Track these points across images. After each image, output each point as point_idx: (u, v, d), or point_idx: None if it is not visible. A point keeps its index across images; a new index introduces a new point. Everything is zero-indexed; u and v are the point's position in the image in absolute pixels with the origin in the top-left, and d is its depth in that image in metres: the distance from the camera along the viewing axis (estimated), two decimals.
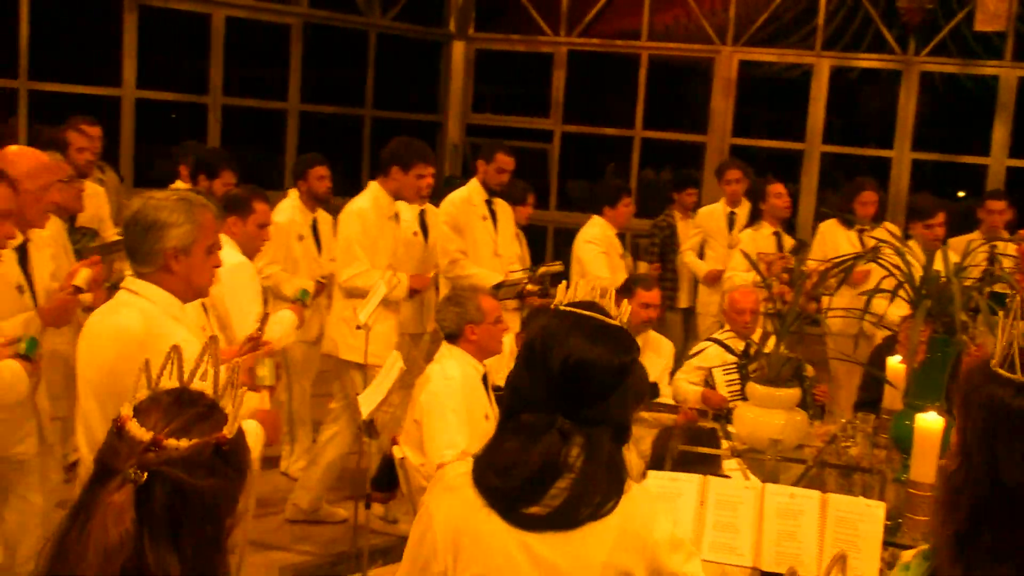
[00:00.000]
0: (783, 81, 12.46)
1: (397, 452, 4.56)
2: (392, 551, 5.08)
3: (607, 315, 2.24)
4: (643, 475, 3.68)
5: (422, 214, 6.50)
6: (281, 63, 11.52)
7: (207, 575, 1.47)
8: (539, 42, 12.70)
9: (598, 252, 6.79)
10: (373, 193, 5.80)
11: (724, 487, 2.94)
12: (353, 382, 5.56)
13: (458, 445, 4.33)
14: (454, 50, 12.87)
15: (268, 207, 4.82)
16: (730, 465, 3.70)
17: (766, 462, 3.58)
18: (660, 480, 2.96)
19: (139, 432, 1.50)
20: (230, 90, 11.08)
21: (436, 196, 6.59)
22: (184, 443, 1.50)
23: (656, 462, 4.05)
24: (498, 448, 2.16)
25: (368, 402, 4.18)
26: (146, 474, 1.46)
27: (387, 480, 4.67)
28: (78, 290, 4.03)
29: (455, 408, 4.42)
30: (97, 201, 5.94)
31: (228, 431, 1.53)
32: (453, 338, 4.63)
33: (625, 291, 5.68)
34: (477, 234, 6.39)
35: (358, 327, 4.97)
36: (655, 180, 12.89)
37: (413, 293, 6.01)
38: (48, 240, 4.47)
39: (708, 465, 3.60)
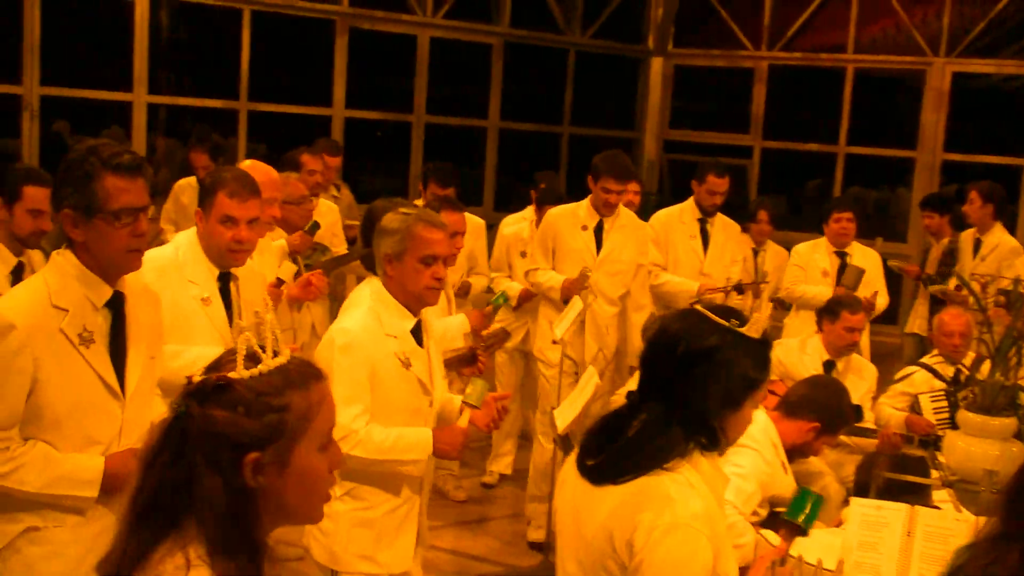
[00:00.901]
0: (1000, 93, 11.82)
1: None
2: None
3: (740, 319, 2.26)
4: (845, 502, 3.56)
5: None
6: (482, 82, 11.79)
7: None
8: (739, 57, 12.51)
9: (794, 268, 6.77)
10: (577, 203, 5.95)
11: (934, 518, 2.81)
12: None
13: None
14: (652, 66, 12.84)
15: (459, 218, 4.94)
16: (940, 496, 3.53)
17: (980, 494, 3.39)
18: (864, 508, 2.86)
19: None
20: (433, 108, 11.41)
21: (642, 213, 6.61)
22: (197, 378, 1.65)
23: (860, 489, 3.90)
24: None
25: (564, 416, 4.20)
26: (184, 406, 1.63)
27: None
28: (280, 282, 4.30)
29: None
30: (331, 218, 6.22)
31: (232, 374, 1.64)
32: None
33: (829, 313, 5.50)
34: (680, 252, 6.47)
35: (554, 342, 5.02)
36: (862, 197, 12.43)
37: None
38: (263, 249, 4.77)
39: (916, 495, 3.44)
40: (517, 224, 6.66)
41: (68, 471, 2.65)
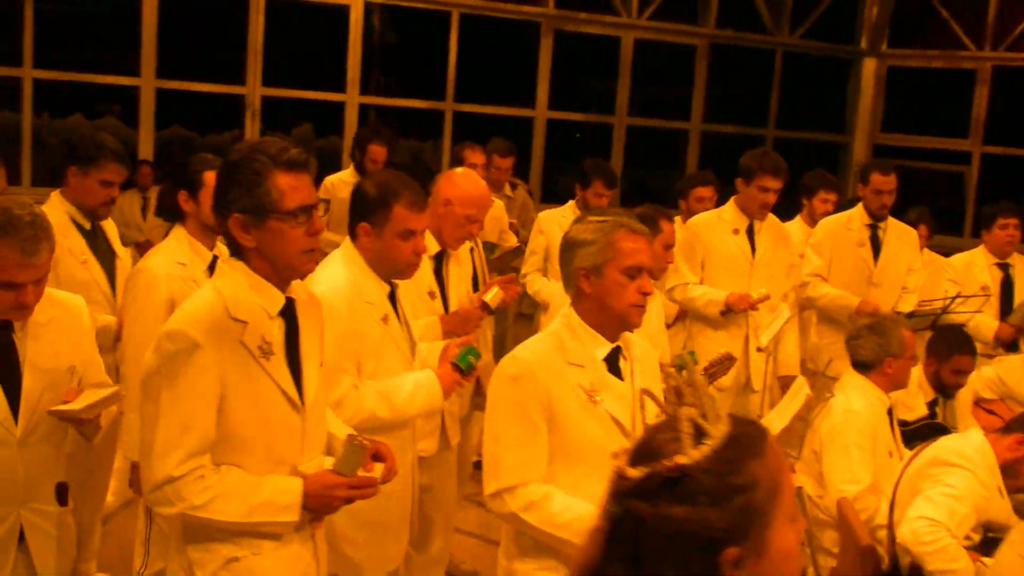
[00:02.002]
0: None
1: (795, 480, 4.42)
2: None
3: None
4: None
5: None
6: (685, 83, 11.64)
7: None
8: (960, 58, 11.86)
9: (948, 284, 6.20)
10: (722, 207, 5.65)
11: None
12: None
13: (861, 480, 4.12)
14: (864, 67, 12.35)
15: (673, 228, 4.75)
16: None
17: None
18: None
19: (619, 465, 1.44)
20: (635, 110, 11.35)
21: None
22: (636, 472, 1.39)
23: None
24: None
25: (771, 426, 4.08)
26: (620, 507, 1.39)
27: None
28: (486, 306, 4.23)
29: (858, 442, 4.19)
30: (497, 214, 6.25)
31: (682, 458, 1.37)
32: (865, 368, 4.38)
33: None
34: (847, 261, 5.99)
35: (759, 349, 4.88)
36: None
37: None
38: (464, 258, 4.80)
39: None
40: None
41: (268, 496, 2.51)
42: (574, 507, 2.78)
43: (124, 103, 9.60)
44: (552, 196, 10.38)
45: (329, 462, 2.69)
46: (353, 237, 3.47)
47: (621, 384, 2.93)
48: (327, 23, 10.24)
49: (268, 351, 2.53)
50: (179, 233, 4.03)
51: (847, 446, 4.22)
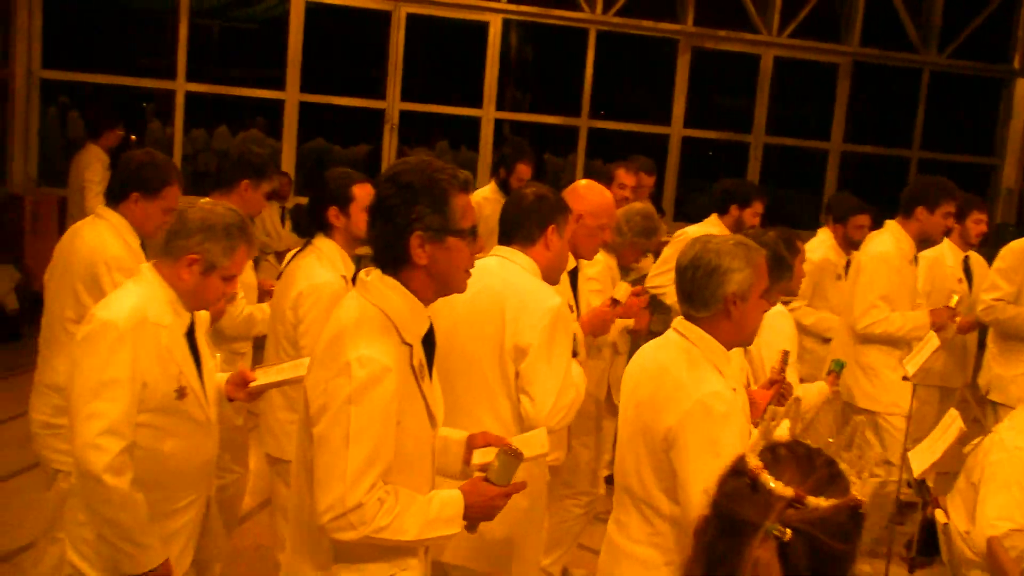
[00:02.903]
0: None
1: (939, 517, 4.23)
2: None
3: None
4: None
5: (966, 260, 6.06)
6: (825, 101, 11.38)
7: None
8: None
9: None
10: (894, 235, 5.44)
11: None
12: (890, 433, 5.29)
13: (1016, 520, 3.90)
14: (1017, 87, 11.85)
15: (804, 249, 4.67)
16: None
17: None
18: None
19: (779, 487, 1.47)
20: (773, 129, 11.16)
21: (989, 244, 6.08)
22: (824, 503, 1.45)
23: None
24: None
25: (921, 460, 3.92)
26: (790, 531, 1.42)
27: (927, 545, 4.35)
28: (615, 302, 4.25)
29: (1021, 482, 3.98)
30: None
31: (861, 495, 1.48)
32: None
33: None
34: None
35: (904, 378, 4.69)
36: None
37: None
38: (598, 273, 4.79)
39: None
40: (822, 247, 6.25)
41: (437, 512, 2.55)
42: None
43: (268, 116, 9.90)
44: (683, 215, 10.27)
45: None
46: (529, 244, 3.57)
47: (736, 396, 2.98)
48: (465, 39, 10.38)
49: (422, 374, 2.59)
50: (327, 245, 4.09)
51: (1009, 483, 4.01)
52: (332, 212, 4.05)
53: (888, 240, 5.45)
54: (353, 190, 4.03)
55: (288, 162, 9.65)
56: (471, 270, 2.65)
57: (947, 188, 5.34)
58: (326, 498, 2.44)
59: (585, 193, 4.20)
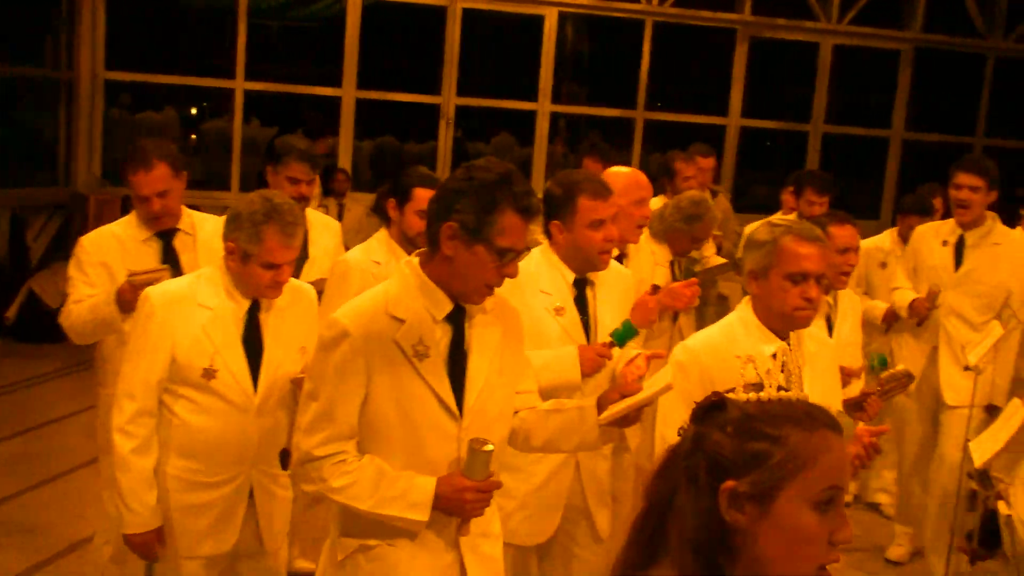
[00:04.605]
0: None
1: (1003, 508, 4.15)
2: None
3: None
4: None
5: None
6: (887, 89, 11.20)
7: None
8: None
9: None
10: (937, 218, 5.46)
11: None
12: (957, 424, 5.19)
13: None
14: None
15: (849, 232, 4.53)
16: None
17: None
18: None
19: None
20: (832, 118, 11.01)
21: None
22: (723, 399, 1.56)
23: None
24: None
25: (982, 450, 3.85)
26: (694, 429, 1.56)
27: (990, 537, 4.28)
28: (656, 288, 4.21)
29: None
30: None
31: (731, 394, 1.56)
32: None
33: None
34: None
35: (966, 368, 4.61)
36: None
37: None
38: (636, 256, 4.76)
39: None
40: (879, 237, 6.14)
41: (400, 491, 2.53)
42: None
43: (327, 112, 10.00)
44: (743, 206, 10.17)
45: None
46: (548, 236, 3.60)
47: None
48: (521, 33, 10.39)
49: (424, 353, 2.54)
50: (382, 235, 4.26)
51: None
52: (390, 204, 4.21)
53: (934, 222, 5.59)
54: (415, 190, 4.08)
55: (345, 158, 9.75)
56: (496, 289, 2.60)
57: (959, 163, 5.27)
58: (292, 446, 2.64)
59: (611, 178, 4.09)
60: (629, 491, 4.09)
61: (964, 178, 5.14)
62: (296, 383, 3.24)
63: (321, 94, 10.03)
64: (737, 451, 1.47)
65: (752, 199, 10.65)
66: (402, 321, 2.53)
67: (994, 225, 5.28)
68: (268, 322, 3.23)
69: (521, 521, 3.50)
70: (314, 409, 2.54)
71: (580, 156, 6.77)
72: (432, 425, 2.56)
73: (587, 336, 3.58)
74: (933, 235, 5.39)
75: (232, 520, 3.24)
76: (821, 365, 3.19)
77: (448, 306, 2.57)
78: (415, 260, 2.61)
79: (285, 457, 3.36)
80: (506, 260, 2.53)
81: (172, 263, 3.95)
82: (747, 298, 3.15)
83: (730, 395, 1.53)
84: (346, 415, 2.52)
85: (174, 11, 10.60)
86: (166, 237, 4.01)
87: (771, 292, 3.02)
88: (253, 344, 3.20)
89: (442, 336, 2.58)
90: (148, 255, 3.97)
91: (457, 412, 2.58)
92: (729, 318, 3.14)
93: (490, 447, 2.53)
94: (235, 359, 3.16)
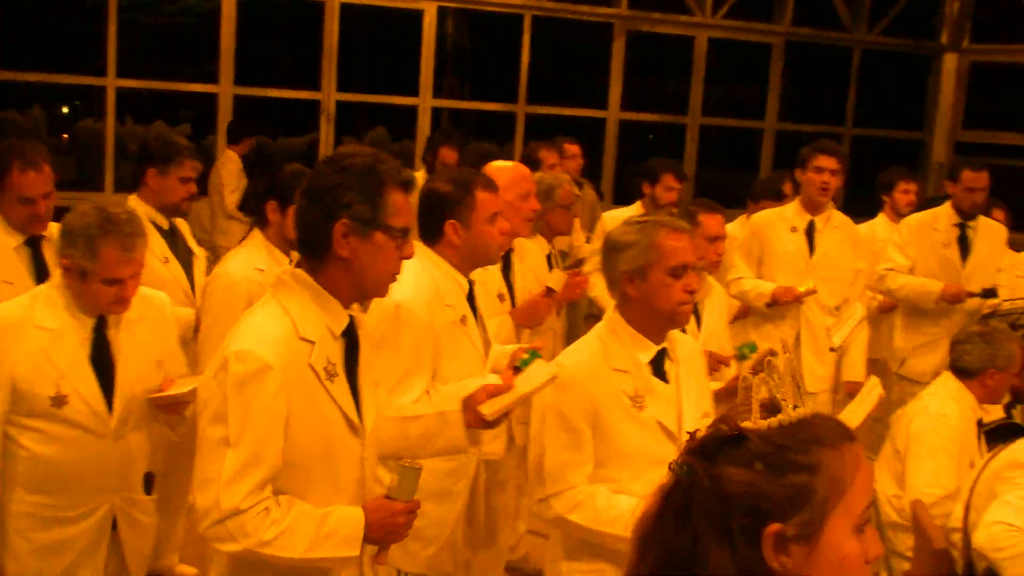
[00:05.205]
0: None
1: None
2: None
3: None
4: None
5: None
6: (759, 82, 11.51)
7: None
8: None
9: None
10: (784, 204, 5.57)
11: None
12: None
13: (944, 486, 4.01)
14: (945, 63, 12.08)
15: (718, 220, 4.64)
16: None
17: None
18: None
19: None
20: (708, 110, 11.26)
21: None
22: (702, 432, 1.40)
23: None
24: None
25: None
26: (686, 466, 1.38)
27: None
28: (550, 291, 4.22)
29: (947, 448, 4.09)
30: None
31: (747, 423, 1.39)
32: (966, 375, 4.24)
33: None
34: (932, 262, 5.81)
35: (831, 349, 4.80)
36: None
37: None
38: (528, 253, 4.79)
39: None
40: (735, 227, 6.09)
41: (331, 529, 2.33)
42: (620, 503, 2.81)
43: (201, 110, 9.81)
44: (624, 199, 10.33)
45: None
46: (436, 238, 3.43)
47: (667, 388, 2.93)
48: (401, 28, 10.35)
49: (333, 372, 2.38)
50: (258, 239, 4.04)
51: (935, 450, 4.12)
52: (271, 206, 4.00)
53: (774, 209, 5.61)
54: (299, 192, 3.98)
55: None
56: (397, 275, 2.47)
57: (817, 144, 5.40)
58: (203, 501, 2.28)
59: (496, 173, 4.05)
60: (514, 486, 4.16)
61: (826, 161, 5.29)
62: (156, 401, 3.10)
63: (197, 91, 9.83)
64: (776, 490, 1.32)
65: (638, 192, 10.80)
66: (312, 342, 2.35)
67: (833, 210, 5.46)
68: (118, 338, 3.05)
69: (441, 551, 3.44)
70: (236, 457, 2.24)
71: (434, 146, 6.71)
72: (343, 447, 2.42)
73: (484, 333, 3.51)
74: (779, 221, 5.45)
75: (96, 555, 3.06)
76: (695, 365, 3.11)
77: (345, 319, 2.43)
78: (301, 272, 2.40)
79: (149, 481, 3.21)
80: (400, 241, 2.41)
81: (41, 272, 3.81)
82: (612, 306, 3.02)
83: (746, 424, 1.37)
84: (275, 456, 2.28)
85: (42, 6, 10.25)
86: (34, 245, 3.88)
87: (654, 291, 2.89)
88: (103, 364, 3.02)
89: (339, 351, 2.43)
90: (16, 263, 3.83)
91: (361, 429, 2.46)
92: (597, 330, 3.01)
93: (420, 464, 2.43)
94: (84, 381, 2.98)
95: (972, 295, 5.61)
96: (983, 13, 11.94)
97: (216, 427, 2.27)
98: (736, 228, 6.12)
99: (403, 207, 2.41)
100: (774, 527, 1.31)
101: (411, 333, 3.13)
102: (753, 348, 4.60)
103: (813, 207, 5.35)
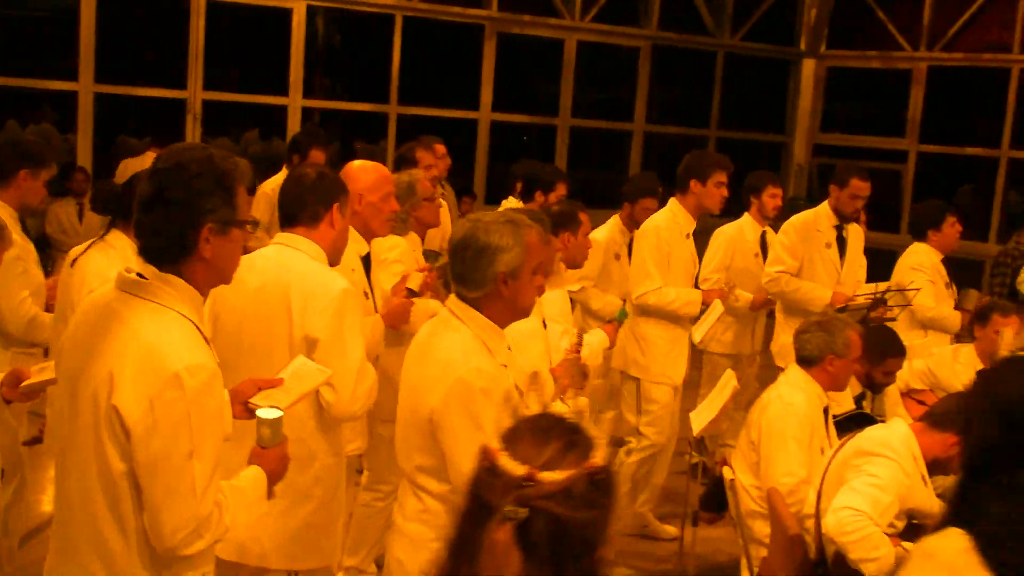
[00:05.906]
0: None
1: (727, 473, 4.49)
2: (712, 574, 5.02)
3: None
4: None
5: (763, 235, 6.39)
6: (628, 85, 11.75)
7: None
8: (896, 58, 12.09)
9: (924, 280, 6.14)
10: (672, 210, 5.66)
11: None
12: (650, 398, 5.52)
13: (796, 474, 4.18)
14: (804, 68, 12.55)
15: (589, 220, 4.81)
16: None
17: None
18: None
19: (512, 467, 1.43)
20: (578, 112, 11.44)
21: (781, 218, 6.42)
22: (557, 476, 1.41)
23: None
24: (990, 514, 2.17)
25: (700, 419, 4.15)
26: (526, 510, 1.40)
27: (716, 501, 4.62)
28: (412, 293, 4.25)
29: (796, 436, 4.26)
30: (442, 218, 6.21)
31: (600, 459, 1.44)
32: (808, 363, 4.43)
33: (980, 318, 5.28)
34: (816, 261, 6.07)
35: (694, 345, 4.95)
36: (1020, 203, 11.86)
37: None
38: (400, 255, 4.77)
39: None
40: (607, 227, 6.24)
41: (252, 492, 2.53)
42: None
43: (62, 109, 9.50)
44: (496, 199, 10.41)
45: None
46: (314, 224, 3.48)
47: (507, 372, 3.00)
48: (269, 26, 10.21)
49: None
50: (121, 240, 3.96)
51: (786, 439, 4.28)
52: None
53: (662, 214, 5.69)
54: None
55: (84, 156, 9.28)
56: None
57: (716, 159, 5.60)
58: (174, 519, 2.33)
59: (359, 173, 4.11)
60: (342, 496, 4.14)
61: (725, 176, 5.54)
62: (28, 388, 3.08)
63: (57, 88, 9.51)
64: (605, 523, 1.47)
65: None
66: (208, 340, 2.47)
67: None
68: None
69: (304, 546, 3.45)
70: (203, 469, 2.34)
71: (303, 147, 6.62)
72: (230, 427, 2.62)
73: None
74: (676, 229, 5.58)
75: None
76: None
77: (205, 313, 2.58)
78: (171, 277, 2.42)
79: None
80: (251, 231, 2.55)
81: None
82: (456, 301, 3.01)
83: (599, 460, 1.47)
84: (225, 450, 2.44)
85: None
86: None
87: (524, 290, 2.95)
88: None
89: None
90: None
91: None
92: (463, 332, 2.97)
93: (280, 411, 2.63)
94: None
95: (860, 307, 5.87)
96: (838, 20, 12.45)
97: (179, 444, 2.32)
98: (608, 229, 6.22)
99: (246, 200, 2.51)
100: (605, 552, 1.43)
101: (357, 313, 3.41)
102: (624, 313, 4.80)
103: (708, 215, 5.61)
